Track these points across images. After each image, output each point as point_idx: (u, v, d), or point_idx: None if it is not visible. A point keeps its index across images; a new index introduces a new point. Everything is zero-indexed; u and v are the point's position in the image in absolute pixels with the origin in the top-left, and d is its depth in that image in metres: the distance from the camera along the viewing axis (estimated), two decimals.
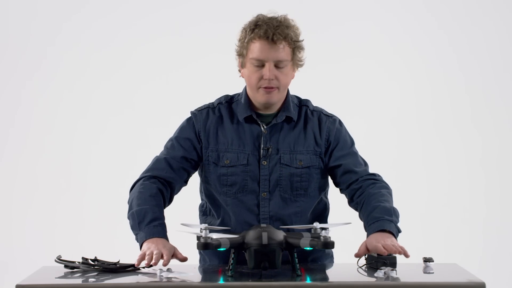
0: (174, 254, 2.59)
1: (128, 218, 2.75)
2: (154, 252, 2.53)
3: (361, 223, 2.86)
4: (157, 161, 2.86)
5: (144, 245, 2.61)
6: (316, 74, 4.98)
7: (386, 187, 2.86)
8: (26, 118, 5.22)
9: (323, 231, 2.48)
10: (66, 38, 5.21)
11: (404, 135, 5.23)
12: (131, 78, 5.21)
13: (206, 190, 2.91)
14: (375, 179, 2.86)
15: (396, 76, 5.23)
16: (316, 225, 2.54)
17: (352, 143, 2.92)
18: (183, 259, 2.60)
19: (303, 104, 2.90)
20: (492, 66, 5.25)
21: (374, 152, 5.09)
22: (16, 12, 5.20)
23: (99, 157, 5.21)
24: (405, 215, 5.05)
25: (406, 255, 2.53)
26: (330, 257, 2.96)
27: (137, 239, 2.69)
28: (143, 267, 2.56)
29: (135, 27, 5.22)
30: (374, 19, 5.22)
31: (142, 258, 2.55)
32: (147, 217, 2.68)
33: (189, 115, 2.91)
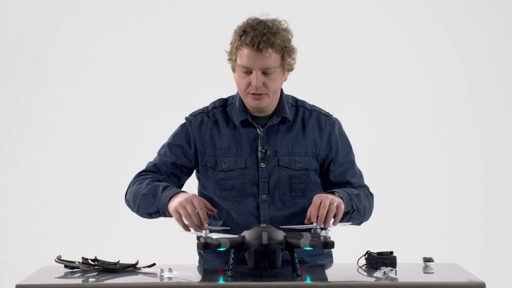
0: (205, 205, 2.61)
1: (139, 204, 2.75)
2: (190, 210, 2.55)
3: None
4: (147, 165, 2.88)
5: (172, 205, 2.62)
6: (316, 71, 4.98)
7: (369, 193, 2.88)
8: (24, 117, 5.21)
9: (323, 231, 2.48)
10: (64, 36, 5.20)
11: (405, 134, 5.22)
12: (130, 76, 5.20)
13: (205, 195, 2.91)
14: (362, 186, 2.89)
15: (397, 74, 5.22)
16: (316, 225, 2.54)
17: (350, 149, 2.92)
18: (213, 211, 2.66)
19: (299, 105, 2.89)
20: (494, 63, 5.23)
21: (376, 151, 5.11)
22: (14, 9, 5.19)
23: (99, 156, 5.20)
24: (406, 215, 5.07)
25: (324, 225, 2.56)
26: (330, 256, 2.96)
27: (159, 211, 2.70)
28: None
29: (134, 24, 5.20)
30: (374, 16, 5.20)
31: (180, 220, 2.58)
32: (160, 187, 2.71)
33: (184, 120, 2.90)
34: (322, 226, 2.56)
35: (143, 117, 5.18)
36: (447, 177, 5.21)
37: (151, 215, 2.76)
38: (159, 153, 2.89)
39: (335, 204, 2.60)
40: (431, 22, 5.22)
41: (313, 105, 2.91)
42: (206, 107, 2.90)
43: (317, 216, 2.58)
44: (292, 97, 2.91)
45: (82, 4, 5.21)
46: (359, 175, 2.92)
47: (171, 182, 2.83)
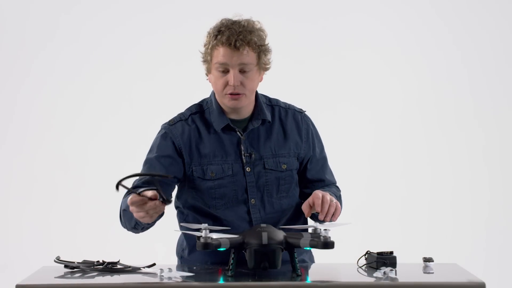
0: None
1: (124, 221, 2.73)
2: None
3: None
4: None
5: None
6: (317, 68, 4.98)
7: (339, 191, 2.91)
8: (22, 117, 5.21)
9: (323, 231, 2.48)
10: (62, 35, 5.20)
11: (407, 133, 5.21)
12: (129, 75, 5.20)
13: (188, 203, 2.87)
14: (333, 183, 2.93)
15: (398, 71, 5.21)
16: (316, 225, 2.54)
17: (323, 145, 2.95)
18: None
19: (273, 103, 2.89)
20: (495, 61, 5.23)
21: (377, 150, 5.10)
22: (11, 8, 5.19)
23: (97, 155, 5.20)
24: (407, 215, 5.06)
25: (325, 218, 2.60)
26: (309, 252, 2.94)
27: (137, 221, 2.63)
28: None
29: (133, 23, 5.20)
30: (375, 13, 5.20)
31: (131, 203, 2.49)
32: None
33: (161, 128, 2.85)
34: (320, 224, 2.56)
35: (142, 116, 5.18)
36: (448, 176, 5.21)
37: (135, 229, 2.73)
38: (144, 170, 2.81)
39: (334, 201, 2.62)
40: (432, 19, 5.22)
41: (286, 103, 2.92)
42: (183, 114, 2.86)
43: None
44: (265, 96, 2.90)
45: (80, 3, 5.20)
46: (331, 171, 2.94)
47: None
